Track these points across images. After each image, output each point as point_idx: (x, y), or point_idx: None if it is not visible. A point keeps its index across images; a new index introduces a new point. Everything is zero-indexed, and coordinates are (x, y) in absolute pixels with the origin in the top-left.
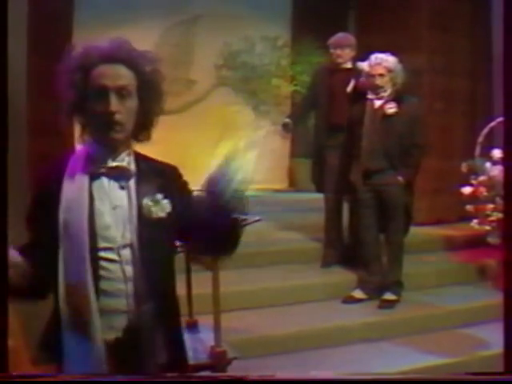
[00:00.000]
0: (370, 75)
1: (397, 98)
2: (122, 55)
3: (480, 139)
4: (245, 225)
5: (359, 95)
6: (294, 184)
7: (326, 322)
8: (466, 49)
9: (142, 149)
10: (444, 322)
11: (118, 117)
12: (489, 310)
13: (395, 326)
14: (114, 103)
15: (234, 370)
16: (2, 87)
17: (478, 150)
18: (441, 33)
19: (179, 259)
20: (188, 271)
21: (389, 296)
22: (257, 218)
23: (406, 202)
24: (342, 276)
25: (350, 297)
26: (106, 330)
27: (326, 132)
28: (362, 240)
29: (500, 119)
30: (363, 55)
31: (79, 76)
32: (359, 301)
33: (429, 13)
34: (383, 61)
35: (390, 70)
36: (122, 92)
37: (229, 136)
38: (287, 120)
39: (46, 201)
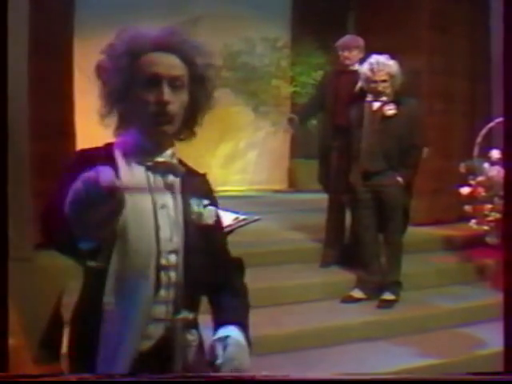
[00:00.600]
0: (372, 81)
1: (396, 99)
2: (174, 44)
3: (478, 140)
4: (244, 225)
5: (360, 97)
6: (293, 184)
7: (324, 321)
8: (466, 49)
9: None
10: (443, 321)
11: (170, 107)
12: (487, 310)
13: (394, 326)
14: (167, 93)
15: None
16: (2, 88)
17: (476, 151)
18: (440, 33)
19: None
20: None
21: (388, 296)
22: (256, 217)
23: (405, 203)
24: (341, 276)
25: (348, 296)
26: (141, 339)
27: (332, 133)
28: (361, 240)
29: (499, 120)
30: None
31: (127, 61)
32: (358, 300)
33: (428, 13)
34: (386, 66)
35: (392, 76)
36: (175, 82)
37: (229, 137)
38: (293, 115)
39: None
